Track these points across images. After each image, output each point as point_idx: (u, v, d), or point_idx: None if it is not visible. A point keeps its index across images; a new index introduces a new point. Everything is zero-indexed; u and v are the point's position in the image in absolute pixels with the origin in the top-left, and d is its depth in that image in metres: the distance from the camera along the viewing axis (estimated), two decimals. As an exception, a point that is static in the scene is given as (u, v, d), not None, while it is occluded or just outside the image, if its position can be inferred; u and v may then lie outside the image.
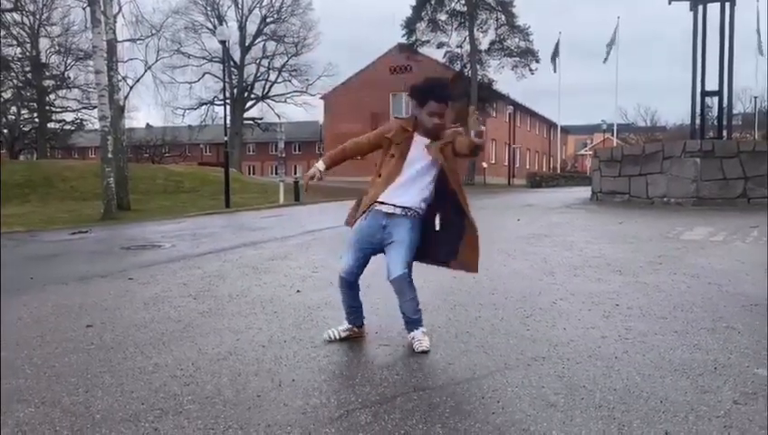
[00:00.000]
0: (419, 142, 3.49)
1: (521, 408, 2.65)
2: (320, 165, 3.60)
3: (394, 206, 3.46)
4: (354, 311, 3.73)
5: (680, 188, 13.92)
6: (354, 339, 3.75)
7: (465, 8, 37.35)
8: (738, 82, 47.39)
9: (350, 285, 3.62)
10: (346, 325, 3.76)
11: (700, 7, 15.31)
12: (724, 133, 16.02)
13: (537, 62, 38.84)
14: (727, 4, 14.96)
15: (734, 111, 22.54)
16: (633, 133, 62.50)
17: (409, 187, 3.46)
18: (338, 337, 3.71)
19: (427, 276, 5.66)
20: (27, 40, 37.91)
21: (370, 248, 3.56)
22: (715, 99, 16.01)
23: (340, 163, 3.71)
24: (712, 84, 15.46)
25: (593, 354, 3.36)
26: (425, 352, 3.43)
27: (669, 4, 15.95)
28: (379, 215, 3.49)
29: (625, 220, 10.73)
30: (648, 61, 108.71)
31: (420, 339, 3.51)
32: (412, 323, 3.56)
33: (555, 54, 42.44)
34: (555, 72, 42.67)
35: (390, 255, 3.47)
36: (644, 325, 3.92)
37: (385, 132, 3.55)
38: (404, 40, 38.71)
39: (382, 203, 3.48)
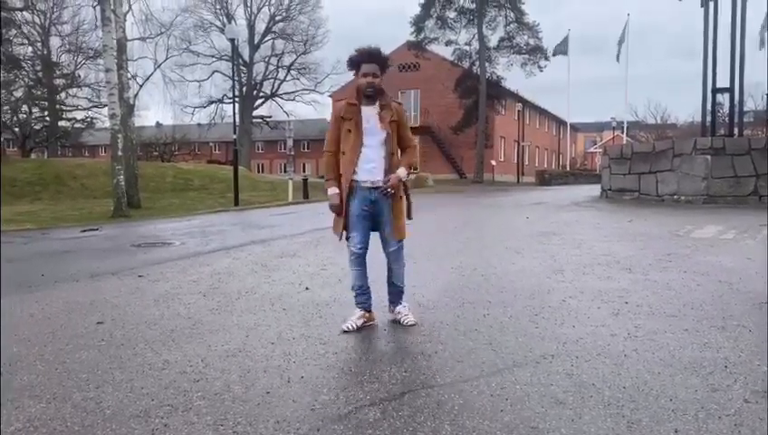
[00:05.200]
0: (368, 113, 3.83)
1: (529, 406, 2.65)
2: (333, 190, 3.88)
3: (372, 182, 3.83)
4: (364, 292, 3.97)
5: (690, 185, 13.82)
6: (362, 335, 3.77)
7: (474, 5, 37.21)
8: (750, 79, 46.90)
9: (362, 260, 3.93)
10: (359, 313, 3.94)
11: (711, 3, 15.19)
12: (736, 130, 15.88)
13: (546, 59, 38.65)
14: (738, 0, 14.84)
15: (746, 108, 22.33)
16: (643, 131, 62.07)
17: (377, 162, 3.82)
18: (355, 327, 3.85)
19: (436, 274, 5.68)
20: (38, 39, 38.12)
21: (369, 220, 3.89)
22: (727, 95, 15.87)
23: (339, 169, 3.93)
24: (723, 81, 15.36)
25: (602, 352, 3.35)
26: (413, 325, 3.88)
27: (680, 0, 15.84)
28: (365, 191, 3.85)
29: (635, 218, 10.68)
30: (659, 56, 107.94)
31: (407, 314, 3.98)
32: (400, 293, 4.03)
33: (563, 50, 42.00)
34: (566, 54, 41.83)
35: (385, 230, 3.90)
36: (653, 323, 3.90)
37: (338, 115, 3.87)
38: (412, 37, 38.59)
39: (362, 181, 3.83)
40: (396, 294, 4.05)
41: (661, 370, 3.05)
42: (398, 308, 4.03)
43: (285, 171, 28.90)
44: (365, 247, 3.91)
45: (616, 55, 39.70)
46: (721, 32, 15.12)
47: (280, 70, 50.10)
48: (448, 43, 38.38)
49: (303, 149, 62.08)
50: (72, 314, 4.57)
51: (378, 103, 3.85)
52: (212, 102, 48.15)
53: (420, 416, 2.57)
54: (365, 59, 3.79)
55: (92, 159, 36.83)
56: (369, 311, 4.01)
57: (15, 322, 4.35)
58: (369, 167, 3.81)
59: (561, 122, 55.13)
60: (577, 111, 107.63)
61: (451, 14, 38.08)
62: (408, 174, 3.99)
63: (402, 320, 3.95)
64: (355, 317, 3.93)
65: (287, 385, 2.95)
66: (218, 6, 48.05)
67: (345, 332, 3.82)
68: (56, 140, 39.28)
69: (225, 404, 2.73)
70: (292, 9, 48.59)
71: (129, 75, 24.09)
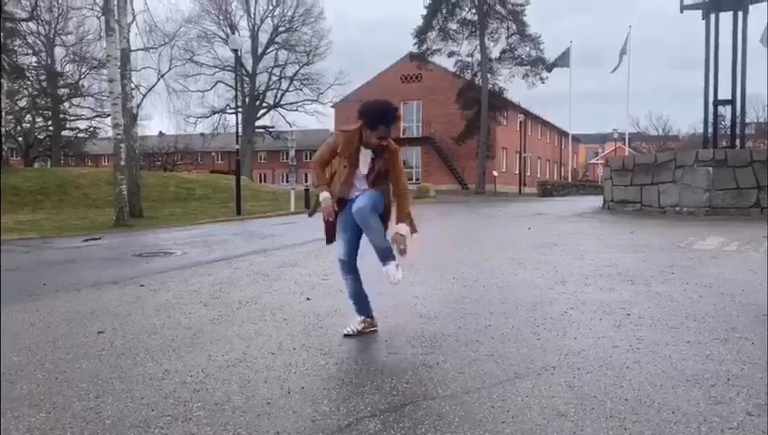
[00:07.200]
0: (363, 155, 3.80)
1: (531, 417, 2.64)
2: (326, 196, 3.81)
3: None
4: (362, 299, 4.02)
5: (693, 197, 13.81)
6: (363, 346, 3.76)
7: (476, 17, 37.38)
8: (751, 90, 47.01)
9: (350, 268, 3.97)
10: (359, 317, 4.00)
11: (713, 16, 15.24)
12: (737, 142, 15.89)
13: (548, 71, 38.71)
14: (740, 13, 14.90)
15: (747, 120, 22.38)
16: (645, 142, 62.16)
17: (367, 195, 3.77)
18: (355, 331, 3.94)
19: (437, 285, 5.67)
20: (43, 49, 38.36)
21: (354, 229, 3.87)
22: (728, 107, 15.90)
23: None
24: (725, 93, 15.38)
25: (604, 364, 3.34)
26: (397, 283, 3.79)
27: (682, 12, 15.88)
28: (350, 204, 3.84)
29: (637, 229, 10.67)
30: (660, 68, 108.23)
31: (393, 273, 3.78)
32: (383, 253, 3.78)
33: (564, 63, 42.00)
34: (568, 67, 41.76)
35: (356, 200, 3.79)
36: (655, 335, 3.89)
37: (334, 148, 3.83)
38: (415, 49, 38.76)
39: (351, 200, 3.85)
40: (379, 255, 3.84)
41: (663, 382, 3.04)
42: (385, 268, 3.78)
43: (287, 181, 28.96)
44: (349, 256, 3.96)
45: (614, 67, 39.79)
46: (722, 44, 15.18)
47: (283, 80, 50.35)
48: (450, 54, 38.51)
49: (305, 159, 62.01)
50: (73, 323, 4.57)
51: (372, 151, 3.77)
52: (215, 112, 48.37)
53: (421, 428, 2.55)
54: (386, 122, 3.68)
55: (95, 169, 36.92)
56: (370, 317, 4.05)
57: (16, 331, 4.34)
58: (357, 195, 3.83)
59: (562, 133, 55.19)
60: (579, 123, 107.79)
61: (453, 26, 38.23)
62: (412, 232, 3.78)
63: (389, 279, 3.80)
64: (356, 322, 4.00)
65: (288, 396, 2.94)
66: (222, 17, 48.38)
67: (346, 335, 3.93)
68: (59, 149, 39.48)
69: (225, 415, 2.72)
70: (295, 20, 48.89)
71: (133, 85, 24.23)
